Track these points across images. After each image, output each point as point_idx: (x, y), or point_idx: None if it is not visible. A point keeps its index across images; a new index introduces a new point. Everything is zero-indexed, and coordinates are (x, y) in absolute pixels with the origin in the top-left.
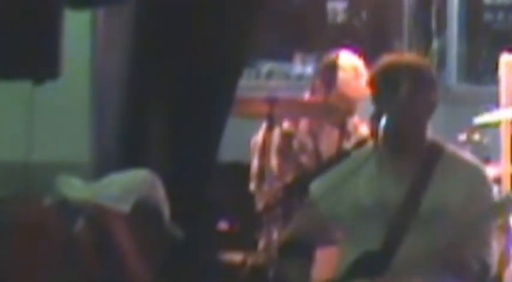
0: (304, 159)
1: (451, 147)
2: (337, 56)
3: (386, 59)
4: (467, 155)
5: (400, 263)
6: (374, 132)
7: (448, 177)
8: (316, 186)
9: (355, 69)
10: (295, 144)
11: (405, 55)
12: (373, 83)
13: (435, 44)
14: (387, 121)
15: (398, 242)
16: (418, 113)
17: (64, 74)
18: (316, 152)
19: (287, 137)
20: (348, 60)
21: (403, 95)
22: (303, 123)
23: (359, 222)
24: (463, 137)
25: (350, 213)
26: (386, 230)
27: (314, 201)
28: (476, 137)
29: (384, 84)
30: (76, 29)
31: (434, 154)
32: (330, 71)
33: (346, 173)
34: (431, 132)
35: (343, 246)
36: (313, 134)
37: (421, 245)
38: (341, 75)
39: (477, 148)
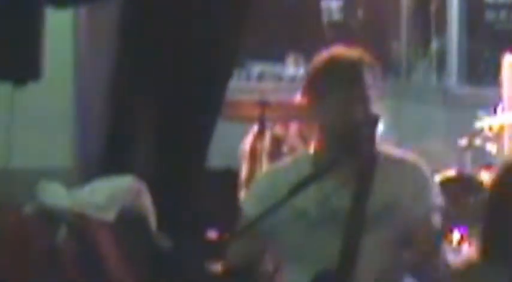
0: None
1: (383, 146)
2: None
3: (322, 57)
4: (400, 152)
5: (361, 273)
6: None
7: (388, 177)
8: (248, 204)
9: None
10: (285, 148)
11: (340, 50)
12: (313, 85)
13: (434, 45)
14: (327, 126)
15: (355, 252)
16: (373, 109)
17: (46, 75)
18: None
19: (277, 141)
20: None
21: (363, 86)
22: (293, 127)
23: (306, 234)
24: (464, 141)
25: (294, 225)
26: (338, 239)
27: (249, 220)
28: (478, 142)
29: (322, 86)
30: (58, 28)
31: (371, 156)
32: None
33: (279, 185)
34: (432, 137)
35: (288, 266)
36: (304, 138)
37: (377, 250)
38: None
39: (478, 153)
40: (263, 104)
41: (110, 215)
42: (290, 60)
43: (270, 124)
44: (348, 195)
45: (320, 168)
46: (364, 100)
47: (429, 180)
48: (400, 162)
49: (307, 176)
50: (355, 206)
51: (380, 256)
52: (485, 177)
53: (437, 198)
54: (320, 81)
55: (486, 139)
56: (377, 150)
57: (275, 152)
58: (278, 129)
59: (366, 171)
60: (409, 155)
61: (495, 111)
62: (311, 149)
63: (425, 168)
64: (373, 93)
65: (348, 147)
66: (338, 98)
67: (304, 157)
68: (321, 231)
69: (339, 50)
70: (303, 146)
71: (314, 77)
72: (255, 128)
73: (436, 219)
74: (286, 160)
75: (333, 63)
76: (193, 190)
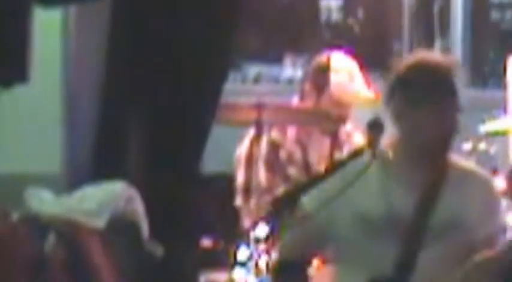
0: (292, 170)
1: (455, 157)
2: (329, 58)
3: (413, 59)
4: (472, 165)
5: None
6: (371, 142)
7: (457, 190)
8: (309, 200)
9: (349, 72)
10: (282, 154)
11: (430, 54)
12: (405, 86)
13: (438, 45)
14: (414, 133)
15: (413, 264)
16: (455, 123)
17: (33, 77)
18: (305, 163)
19: (274, 147)
20: (341, 62)
21: (445, 102)
22: (291, 132)
23: (364, 237)
24: (468, 146)
25: (354, 227)
26: (396, 247)
27: (309, 215)
28: (483, 146)
29: (415, 89)
30: (46, 29)
31: (441, 166)
32: (322, 73)
33: (342, 185)
34: None
35: (342, 268)
36: (302, 144)
37: (435, 265)
38: (333, 78)
39: (483, 158)
40: (260, 107)
41: (100, 222)
42: (288, 61)
43: (267, 128)
44: (413, 205)
45: (392, 175)
46: (454, 112)
47: (499, 198)
48: (469, 176)
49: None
50: (419, 216)
51: (436, 272)
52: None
53: (506, 218)
54: (410, 89)
55: (491, 143)
56: (448, 160)
57: (272, 158)
58: (275, 134)
59: (434, 183)
60: (479, 168)
61: (501, 115)
62: (379, 155)
63: (495, 183)
64: (460, 101)
65: (428, 158)
66: (431, 110)
67: (372, 161)
68: (381, 237)
69: (425, 54)
70: (301, 151)
71: (401, 82)
72: (251, 132)
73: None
74: (354, 162)
75: (425, 69)
76: (187, 196)
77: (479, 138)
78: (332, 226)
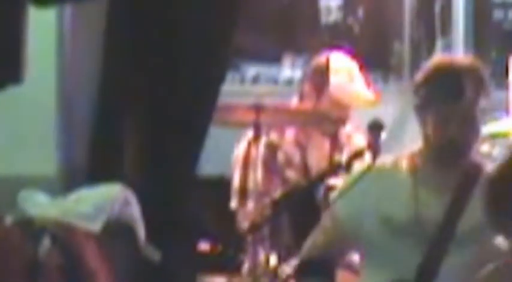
0: (290, 173)
1: (489, 165)
2: (328, 58)
3: (438, 60)
4: None
5: None
6: (372, 143)
7: None
8: (338, 198)
9: (349, 72)
10: (280, 156)
11: (456, 56)
12: (428, 85)
13: (439, 45)
14: (430, 138)
15: (436, 269)
16: (478, 124)
17: (27, 78)
18: (304, 166)
19: (272, 149)
20: (341, 62)
21: (466, 102)
22: (290, 133)
23: (389, 240)
24: None
25: (379, 229)
26: (420, 251)
27: (337, 215)
28: (485, 148)
29: (444, 88)
30: (41, 29)
31: (474, 171)
32: (321, 74)
33: (369, 185)
34: None
35: (367, 270)
36: (301, 146)
37: (458, 272)
38: (333, 78)
39: (486, 160)
40: (258, 109)
41: (96, 225)
42: (286, 62)
43: (265, 130)
44: (440, 209)
45: (416, 175)
46: (468, 117)
47: None
48: None
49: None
50: (446, 221)
51: (459, 279)
52: None
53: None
54: (423, 91)
55: (494, 145)
56: (479, 166)
57: (270, 160)
58: (273, 136)
59: (463, 187)
60: None
61: (503, 116)
62: (405, 157)
63: None
64: (479, 106)
65: (451, 158)
66: (438, 113)
67: (400, 163)
68: (406, 241)
69: (445, 58)
70: (299, 154)
71: (421, 83)
72: (249, 133)
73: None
74: (384, 161)
75: (438, 72)
76: (184, 199)
77: (481, 140)
78: (358, 228)
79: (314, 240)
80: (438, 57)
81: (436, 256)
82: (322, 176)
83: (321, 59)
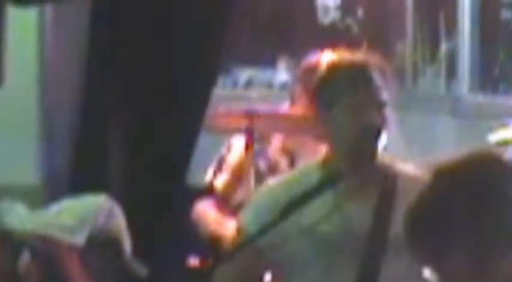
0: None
1: (399, 163)
2: (320, 57)
3: (335, 57)
4: (418, 170)
5: None
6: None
7: (409, 196)
8: (249, 222)
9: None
10: (261, 164)
11: (342, 54)
12: (333, 81)
13: (444, 47)
14: (337, 135)
15: (376, 278)
16: (386, 113)
17: (8, 83)
18: None
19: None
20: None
21: (376, 90)
22: (276, 140)
23: (318, 256)
24: None
25: (305, 246)
26: (355, 263)
27: (251, 237)
28: None
29: (352, 80)
30: (21, 30)
31: (389, 174)
32: (312, 74)
33: (280, 198)
34: (441, 151)
35: None
36: (288, 152)
37: (398, 279)
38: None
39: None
40: (251, 115)
41: (79, 238)
42: (281, 65)
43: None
44: (366, 216)
45: (325, 181)
46: (378, 105)
47: None
48: (420, 182)
49: (309, 189)
50: (375, 229)
51: None
52: None
53: None
54: (326, 90)
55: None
56: (396, 166)
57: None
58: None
59: (386, 190)
60: (426, 174)
61: None
62: (318, 162)
63: None
64: (385, 97)
65: (360, 157)
66: (348, 105)
67: (310, 169)
68: (337, 255)
69: (341, 54)
70: (286, 161)
71: (319, 86)
72: (233, 140)
73: None
74: (291, 172)
75: (338, 68)
76: (173, 210)
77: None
78: (276, 249)
79: (225, 272)
80: (327, 56)
81: (373, 266)
82: (322, 186)
83: (312, 59)
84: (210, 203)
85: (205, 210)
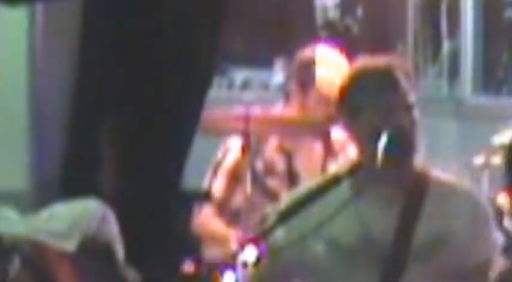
0: (272, 183)
1: (434, 172)
2: (314, 51)
3: (365, 63)
4: (455, 180)
5: None
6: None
7: (439, 207)
8: (285, 232)
9: (337, 65)
10: (258, 164)
11: (365, 59)
12: (358, 87)
13: (446, 47)
14: (388, 142)
15: None
16: (416, 115)
17: None
18: (290, 174)
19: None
20: (327, 55)
21: (402, 92)
22: (272, 141)
23: (339, 264)
24: (480, 160)
25: (326, 254)
26: (376, 272)
27: (275, 244)
28: (497, 160)
29: (378, 84)
30: (11, 29)
31: (420, 182)
32: (306, 68)
33: (321, 218)
34: (443, 154)
35: None
36: (285, 152)
37: None
38: (319, 72)
39: (497, 174)
40: (247, 117)
41: (71, 244)
42: (278, 65)
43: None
44: (391, 225)
45: (358, 190)
46: (406, 107)
47: (489, 217)
48: (452, 190)
49: (343, 202)
50: (399, 238)
51: None
52: (505, 201)
53: (499, 238)
54: (353, 95)
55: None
56: (425, 175)
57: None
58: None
59: (413, 199)
60: (462, 181)
61: None
62: (347, 168)
63: (484, 199)
64: (412, 98)
65: (391, 161)
66: (377, 108)
67: (339, 178)
68: (358, 264)
69: (363, 59)
70: (284, 161)
71: (345, 92)
72: (229, 142)
73: (500, 264)
74: (318, 180)
75: (364, 73)
76: (167, 215)
77: (492, 151)
78: (302, 257)
79: (256, 277)
80: (355, 63)
81: (393, 275)
82: (320, 190)
83: (306, 53)
84: (208, 212)
85: (210, 224)
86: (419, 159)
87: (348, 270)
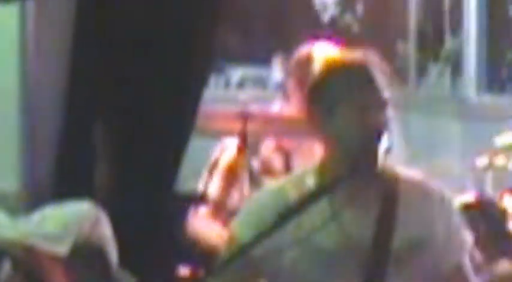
0: (270, 182)
1: (401, 170)
2: (312, 48)
3: (338, 59)
4: (422, 178)
5: None
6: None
7: (414, 209)
8: (242, 228)
9: (324, 60)
10: (255, 164)
11: (341, 53)
12: (334, 83)
13: (449, 46)
14: (340, 138)
15: None
16: (381, 123)
17: None
18: (288, 173)
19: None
20: (326, 52)
21: (379, 89)
22: (270, 141)
23: (315, 271)
24: (483, 161)
25: (305, 261)
26: (357, 277)
27: (243, 247)
28: (500, 161)
29: (355, 80)
30: (1, 29)
31: (392, 183)
32: (305, 66)
33: (284, 213)
34: (446, 155)
35: None
36: (283, 151)
37: None
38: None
39: (500, 175)
40: (245, 116)
41: (63, 248)
42: (277, 63)
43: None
44: (368, 226)
45: (322, 188)
46: (380, 104)
47: (459, 216)
48: (422, 189)
49: (304, 197)
50: (377, 241)
51: None
52: (509, 202)
53: (467, 238)
54: (325, 90)
55: (510, 158)
56: (394, 173)
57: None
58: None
59: (388, 198)
60: (431, 181)
61: None
62: (315, 167)
63: (451, 195)
64: (387, 96)
65: (362, 160)
66: (350, 105)
67: (306, 175)
68: (337, 268)
69: (338, 53)
70: (282, 160)
71: (316, 87)
72: (225, 142)
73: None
74: (286, 177)
75: (337, 67)
76: (162, 218)
77: (495, 151)
78: (272, 259)
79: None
80: (326, 56)
81: (374, 279)
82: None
83: (305, 50)
84: (205, 213)
85: (204, 225)
86: (393, 160)
87: (327, 275)
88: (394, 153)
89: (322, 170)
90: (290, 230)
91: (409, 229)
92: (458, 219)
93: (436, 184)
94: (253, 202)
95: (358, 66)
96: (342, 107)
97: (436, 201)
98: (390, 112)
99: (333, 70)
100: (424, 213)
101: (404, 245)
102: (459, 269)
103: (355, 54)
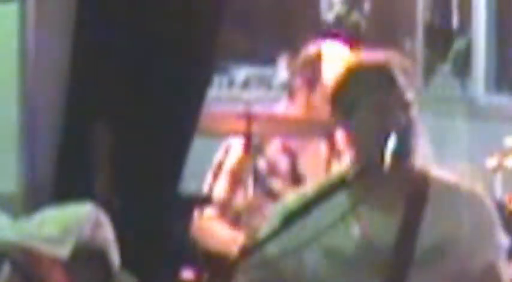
0: (276, 184)
1: (434, 171)
2: (320, 47)
3: (360, 60)
4: (456, 179)
5: None
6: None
7: (442, 211)
8: (275, 243)
9: (345, 61)
10: (261, 164)
11: (361, 54)
12: (352, 86)
13: (457, 45)
14: (367, 138)
15: None
16: (414, 130)
17: None
18: (294, 175)
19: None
20: (335, 50)
21: (400, 90)
22: (276, 142)
23: (339, 274)
24: (492, 162)
25: (324, 264)
26: (377, 280)
27: (268, 255)
28: (510, 162)
29: (374, 82)
30: (0, 30)
31: (420, 184)
32: (312, 65)
33: (316, 230)
34: (454, 156)
35: None
36: (290, 152)
37: None
38: (327, 68)
39: (510, 176)
40: (249, 117)
41: (64, 250)
42: (282, 63)
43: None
44: (390, 229)
45: (357, 200)
46: (403, 105)
47: (494, 217)
48: (455, 191)
49: (341, 213)
50: (400, 244)
51: None
52: None
53: (504, 240)
54: (347, 94)
55: None
56: (427, 173)
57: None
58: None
59: (414, 201)
60: (464, 182)
61: None
62: (341, 172)
63: (488, 199)
64: (410, 97)
65: (384, 160)
66: (372, 107)
67: (338, 180)
68: (358, 272)
69: (359, 54)
70: (288, 161)
71: (338, 91)
72: (229, 143)
73: (505, 268)
74: (312, 184)
75: (359, 69)
76: (164, 220)
77: (506, 152)
78: (299, 267)
79: None
80: (349, 59)
81: None
82: (327, 192)
83: (312, 49)
84: (211, 215)
85: (211, 227)
86: (420, 160)
87: (348, 280)
88: (421, 153)
89: (353, 176)
90: (308, 229)
91: (435, 232)
92: (490, 219)
93: (467, 184)
94: (275, 212)
95: (380, 67)
96: (363, 108)
97: (466, 202)
98: (414, 112)
99: (354, 72)
100: (453, 214)
101: (428, 248)
102: (491, 268)
103: (376, 55)
